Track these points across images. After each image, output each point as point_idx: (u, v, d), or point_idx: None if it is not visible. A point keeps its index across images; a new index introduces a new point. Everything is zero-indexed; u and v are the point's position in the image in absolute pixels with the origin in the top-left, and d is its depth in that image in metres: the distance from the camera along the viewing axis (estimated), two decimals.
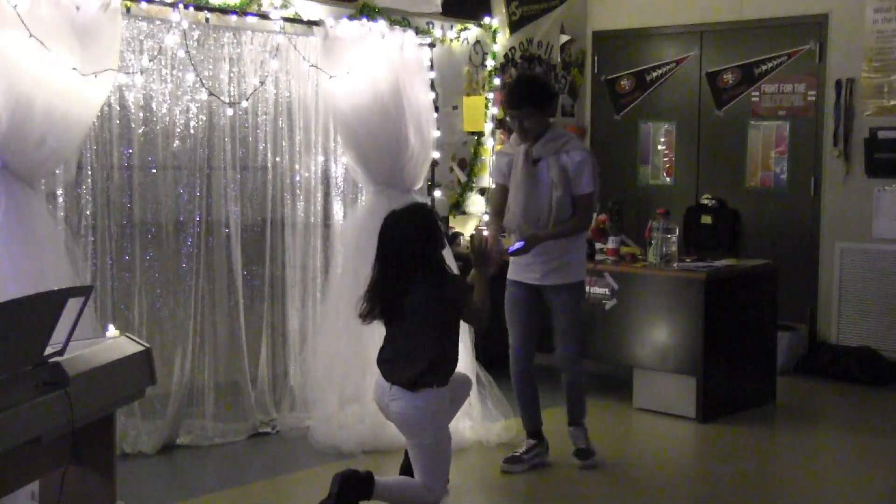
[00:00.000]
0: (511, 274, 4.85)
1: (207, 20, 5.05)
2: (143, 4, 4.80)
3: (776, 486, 4.68)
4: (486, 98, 7.04)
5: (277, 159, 5.46)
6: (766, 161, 7.25)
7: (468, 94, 7.00)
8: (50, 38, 4.11)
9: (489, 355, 5.52)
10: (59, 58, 4.15)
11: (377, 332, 4.09)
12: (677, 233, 5.80)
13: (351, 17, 5.68)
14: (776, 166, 7.21)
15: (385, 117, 5.27)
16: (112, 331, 3.50)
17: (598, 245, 6.01)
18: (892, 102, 6.67)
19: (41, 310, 2.85)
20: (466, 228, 6.83)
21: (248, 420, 5.24)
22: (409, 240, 3.83)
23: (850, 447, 5.33)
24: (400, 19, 6.14)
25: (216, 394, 5.19)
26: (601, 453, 4.92)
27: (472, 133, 7.06)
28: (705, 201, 7.38)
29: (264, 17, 5.32)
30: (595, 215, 5.75)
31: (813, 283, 7.03)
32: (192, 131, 5.13)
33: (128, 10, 4.73)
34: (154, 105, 5.00)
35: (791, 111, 7.12)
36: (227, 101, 5.17)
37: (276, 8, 5.44)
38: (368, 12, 5.94)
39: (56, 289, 3.07)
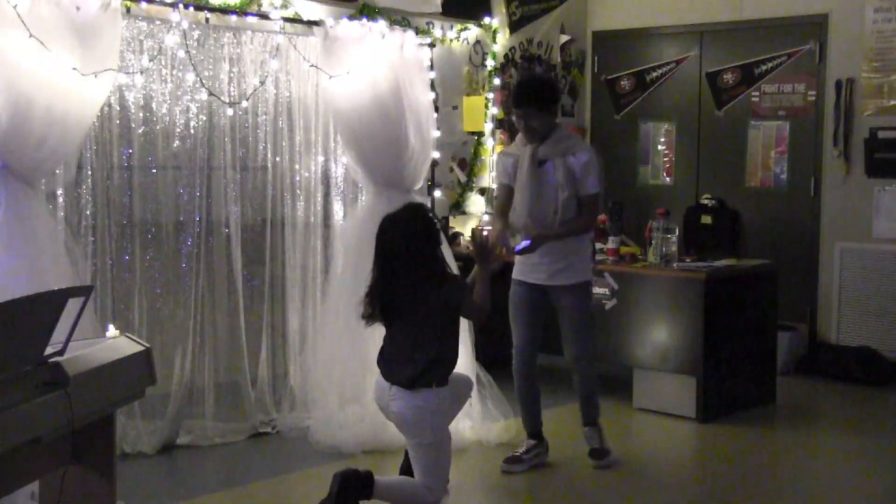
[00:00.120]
0: (516, 274, 4.85)
1: (207, 20, 5.05)
2: (143, 4, 4.80)
3: (776, 486, 4.68)
4: (486, 98, 7.04)
5: (277, 159, 5.46)
6: (766, 161, 7.25)
7: (468, 94, 7.00)
8: (50, 38, 4.11)
9: (489, 355, 5.52)
10: (59, 58, 4.15)
11: (377, 332, 4.09)
12: (677, 233, 5.80)
13: (351, 17, 5.68)
14: (776, 166, 7.21)
15: (385, 117, 5.27)
16: (112, 331, 3.50)
17: (598, 245, 6.01)
18: (892, 102, 6.67)
19: (41, 310, 2.85)
20: (466, 228, 6.83)
21: (248, 420, 5.24)
22: (406, 240, 3.83)
23: (850, 447, 5.33)
24: (400, 19, 6.15)
25: (216, 394, 5.19)
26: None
27: (472, 133, 7.06)
28: (705, 201, 7.38)
29: (264, 17, 5.32)
30: None
31: (813, 283, 7.03)
32: (192, 131, 5.13)
33: (128, 10, 4.73)
34: (154, 105, 5.00)
35: (791, 111, 7.12)
36: (227, 101, 5.17)
37: (276, 8, 5.44)
38: (368, 12, 5.94)
39: (56, 289, 3.08)
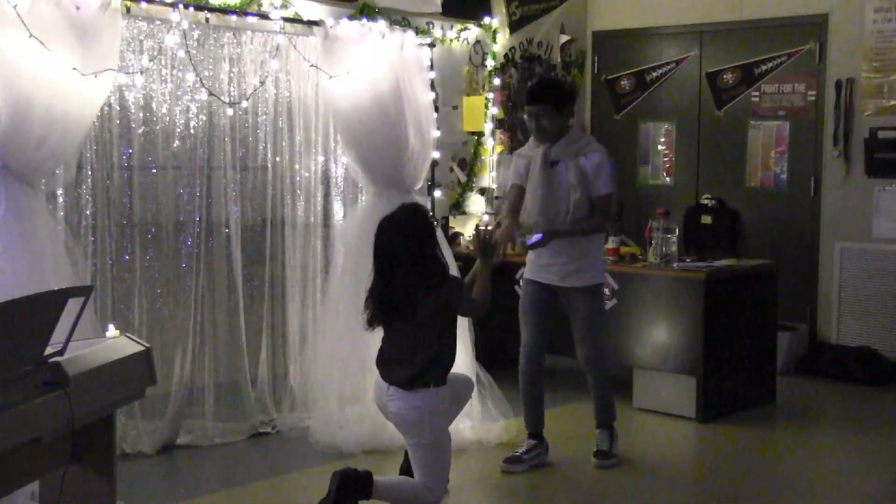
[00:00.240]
0: (528, 273, 4.85)
1: (207, 20, 5.05)
2: (143, 4, 4.80)
3: (776, 486, 4.68)
4: (486, 98, 7.04)
5: (277, 159, 5.46)
6: (766, 161, 7.25)
7: (468, 94, 7.00)
8: (50, 38, 4.11)
9: (489, 355, 5.51)
10: (59, 58, 4.15)
11: (377, 332, 4.09)
12: (677, 233, 5.80)
13: (351, 17, 5.68)
14: (776, 166, 7.21)
15: (385, 117, 5.27)
16: (112, 331, 3.50)
17: None
18: (892, 102, 6.67)
19: (41, 310, 2.85)
20: (466, 228, 6.83)
21: (248, 420, 5.24)
22: (404, 240, 3.84)
23: (850, 447, 5.33)
24: (400, 19, 6.15)
25: (216, 394, 5.19)
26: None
27: (472, 133, 7.06)
28: (705, 201, 7.38)
29: (264, 17, 5.32)
30: None
31: (813, 283, 7.03)
32: (192, 131, 5.13)
33: (128, 10, 4.73)
34: (154, 105, 5.00)
35: (791, 111, 7.12)
36: (227, 101, 5.17)
37: (276, 8, 5.44)
38: (368, 12, 5.94)
39: (56, 289, 3.08)
